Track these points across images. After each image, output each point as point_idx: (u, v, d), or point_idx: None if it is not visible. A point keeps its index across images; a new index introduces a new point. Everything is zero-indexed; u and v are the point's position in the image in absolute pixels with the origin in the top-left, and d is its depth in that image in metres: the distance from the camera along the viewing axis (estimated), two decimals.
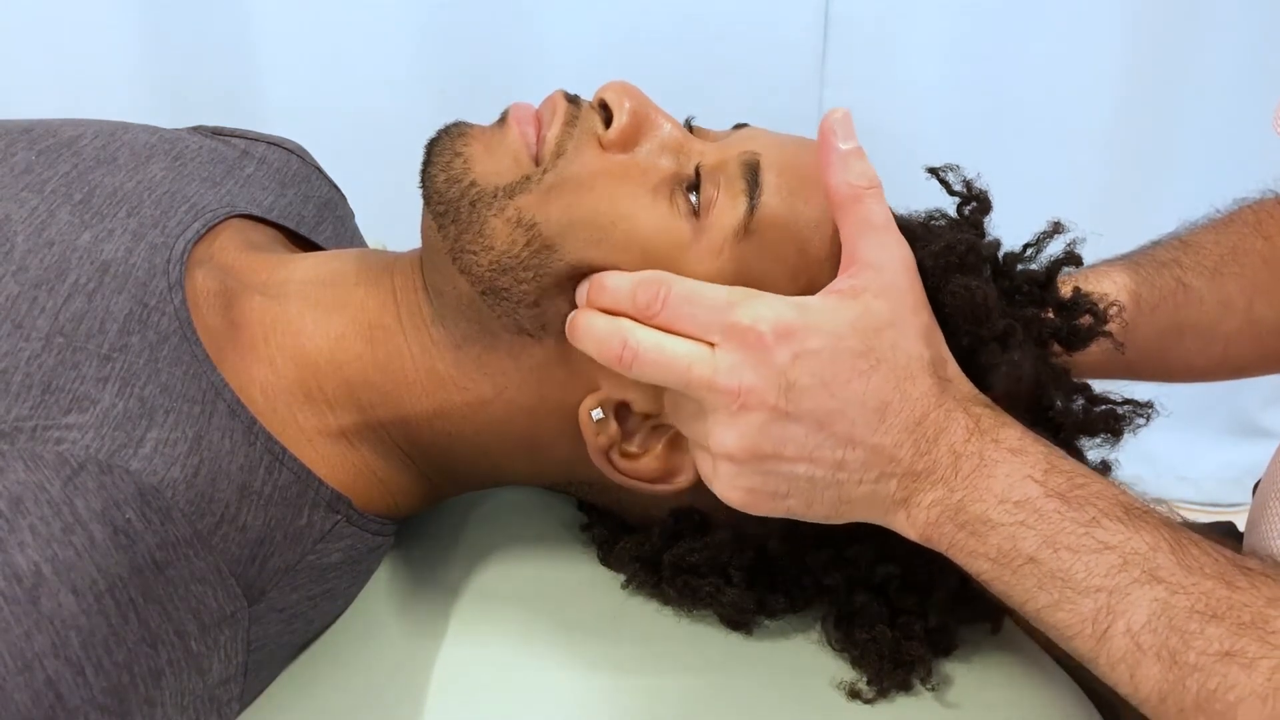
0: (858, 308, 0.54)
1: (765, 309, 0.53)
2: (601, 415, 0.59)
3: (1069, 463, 0.54)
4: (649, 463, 0.60)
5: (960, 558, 0.54)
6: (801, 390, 0.53)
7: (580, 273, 0.57)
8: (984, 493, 0.53)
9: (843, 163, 0.56)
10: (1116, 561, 0.50)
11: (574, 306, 0.58)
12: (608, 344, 0.55)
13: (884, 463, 0.54)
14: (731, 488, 0.56)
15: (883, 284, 0.55)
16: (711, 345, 0.54)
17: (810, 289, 0.58)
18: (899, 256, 0.56)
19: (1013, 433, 0.54)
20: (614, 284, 0.56)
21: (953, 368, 0.57)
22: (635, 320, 0.55)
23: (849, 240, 0.56)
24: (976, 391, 0.57)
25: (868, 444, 0.54)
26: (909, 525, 0.55)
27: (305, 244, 0.73)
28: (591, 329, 0.56)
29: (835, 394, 0.53)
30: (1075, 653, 0.52)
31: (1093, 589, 0.50)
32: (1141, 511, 0.52)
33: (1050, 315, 0.63)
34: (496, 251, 0.58)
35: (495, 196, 0.58)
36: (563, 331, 0.58)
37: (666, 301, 0.54)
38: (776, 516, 0.56)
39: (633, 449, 0.60)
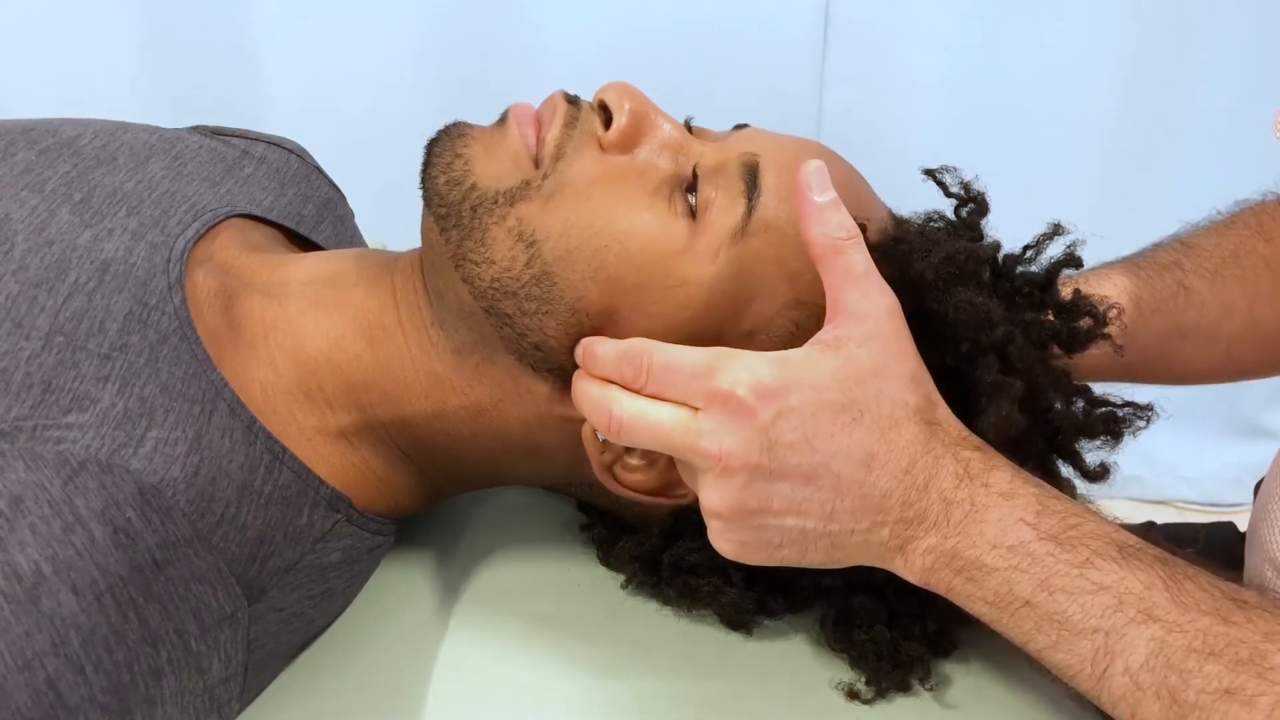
0: (839, 358, 0.54)
1: (743, 371, 0.53)
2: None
3: (1061, 503, 0.54)
4: (651, 477, 0.60)
5: (959, 600, 0.54)
6: (785, 447, 0.53)
7: (580, 321, 0.58)
8: (977, 538, 0.53)
9: (820, 215, 0.56)
10: (1111, 602, 0.50)
11: (574, 363, 0.58)
12: (597, 414, 0.56)
13: (874, 512, 0.54)
14: (724, 541, 0.56)
15: (865, 333, 0.55)
16: (696, 409, 0.54)
17: (809, 292, 0.58)
18: (883, 305, 0.56)
19: (1003, 475, 0.54)
20: (601, 353, 0.56)
21: (942, 411, 0.57)
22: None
23: (832, 291, 0.56)
24: (966, 433, 0.56)
25: (855, 494, 0.54)
26: (907, 570, 0.55)
27: (305, 244, 0.73)
28: (584, 397, 0.57)
29: (819, 448, 0.53)
30: (1078, 689, 0.52)
31: (1089, 630, 0.50)
32: (1136, 549, 0.52)
33: (1050, 317, 0.63)
34: (498, 267, 0.58)
35: (496, 202, 0.58)
36: (563, 378, 0.59)
37: (650, 373, 0.55)
38: (771, 564, 0.56)
39: (635, 462, 0.60)
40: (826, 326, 0.56)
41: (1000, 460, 0.55)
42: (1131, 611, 0.50)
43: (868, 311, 0.55)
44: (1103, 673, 0.50)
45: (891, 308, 0.56)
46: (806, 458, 0.53)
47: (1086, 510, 0.54)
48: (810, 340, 0.55)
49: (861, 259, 0.56)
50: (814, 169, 0.56)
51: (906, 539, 0.54)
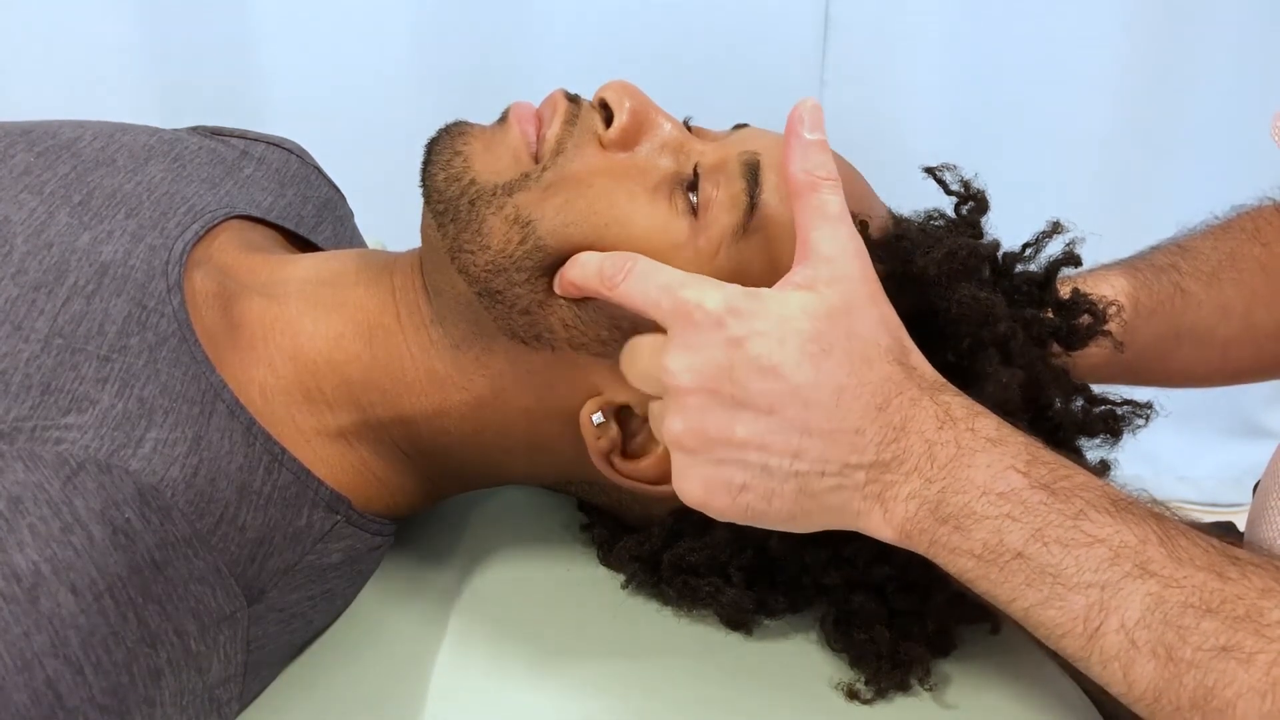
0: (811, 296, 0.53)
1: (714, 290, 0.53)
2: (602, 419, 0.59)
3: (1050, 454, 0.52)
4: (649, 464, 0.60)
5: (942, 556, 0.52)
6: (747, 371, 0.52)
7: (566, 257, 0.58)
8: (965, 483, 0.51)
9: (803, 151, 0.55)
10: (1107, 555, 0.49)
11: (567, 329, 0.58)
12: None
13: (846, 451, 0.52)
14: (686, 479, 0.54)
15: (834, 274, 0.54)
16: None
17: None
18: (852, 249, 0.55)
19: (989, 422, 0.53)
20: (585, 258, 0.56)
21: (916, 356, 0.55)
22: (599, 294, 0.56)
23: (803, 230, 0.55)
24: (943, 380, 0.55)
25: (824, 430, 0.52)
26: (886, 524, 0.53)
27: (304, 244, 0.73)
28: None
29: (785, 376, 0.52)
30: (1064, 651, 0.51)
31: (1084, 584, 0.49)
32: (1128, 503, 0.51)
33: (1050, 315, 0.63)
34: (493, 251, 0.58)
35: (494, 194, 0.58)
36: (558, 343, 0.58)
37: (629, 273, 0.55)
38: (737, 516, 0.55)
39: (633, 451, 0.60)
40: (796, 268, 0.55)
41: (983, 409, 0.54)
42: (1127, 565, 0.48)
43: (835, 254, 0.54)
44: (1095, 630, 0.49)
45: (860, 251, 0.55)
46: (771, 385, 0.52)
47: (1075, 464, 0.53)
48: (780, 281, 0.55)
49: (836, 201, 0.55)
50: (809, 107, 0.56)
51: (886, 485, 0.53)
